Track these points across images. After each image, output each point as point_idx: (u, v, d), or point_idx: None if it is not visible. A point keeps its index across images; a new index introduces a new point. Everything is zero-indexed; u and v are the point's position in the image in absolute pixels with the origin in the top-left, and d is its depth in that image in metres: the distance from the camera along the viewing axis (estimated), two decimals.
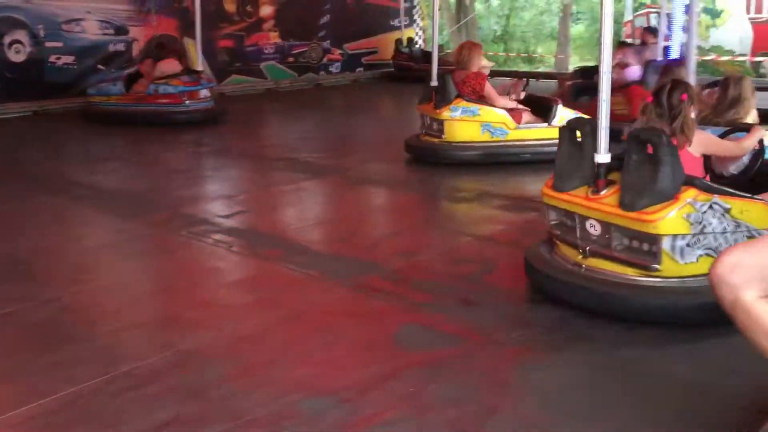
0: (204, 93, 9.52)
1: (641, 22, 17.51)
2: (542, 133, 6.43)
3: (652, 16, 17.24)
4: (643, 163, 3.16)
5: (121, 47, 11.83)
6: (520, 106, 6.68)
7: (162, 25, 12.32)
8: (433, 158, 6.64)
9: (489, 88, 6.58)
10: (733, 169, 3.88)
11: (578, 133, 3.50)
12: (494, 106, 6.54)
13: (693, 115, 3.46)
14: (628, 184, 3.19)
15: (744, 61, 14.25)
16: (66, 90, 11.08)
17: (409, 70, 14.67)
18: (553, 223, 3.61)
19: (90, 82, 10.08)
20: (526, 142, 6.49)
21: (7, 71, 10.58)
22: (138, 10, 11.96)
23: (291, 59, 14.43)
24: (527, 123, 6.57)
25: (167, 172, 7.03)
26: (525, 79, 7.19)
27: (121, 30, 11.77)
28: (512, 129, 6.51)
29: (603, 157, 3.33)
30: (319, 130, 9.79)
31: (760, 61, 14.11)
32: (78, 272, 4.24)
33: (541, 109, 6.63)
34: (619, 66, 8.09)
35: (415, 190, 6.11)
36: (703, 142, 3.53)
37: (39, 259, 4.43)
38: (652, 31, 11.19)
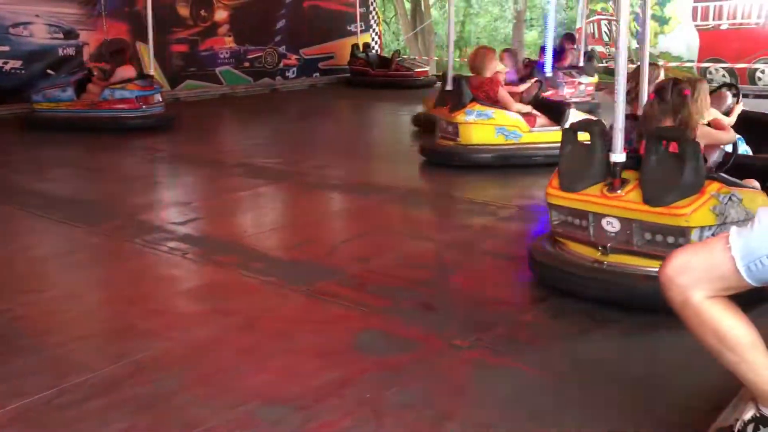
0: (157, 98, 9.39)
1: (591, 29, 17.88)
2: (555, 136, 6.37)
3: (603, 23, 17.64)
4: (665, 160, 3.33)
5: (71, 51, 11.60)
6: (534, 111, 6.84)
7: (113, 29, 12.11)
8: (449, 161, 6.72)
9: (503, 93, 6.72)
10: (717, 157, 4.06)
11: (587, 134, 3.64)
12: (508, 110, 6.65)
13: (695, 109, 3.65)
14: (650, 180, 3.35)
15: (691, 68, 14.63)
16: (14, 95, 10.79)
17: (366, 75, 14.72)
18: (557, 222, 3.73)
19: (36, 88, 9.82)
20: (539, 145, 6.60)
21: None
22: (88, 13, 11.74)
23: (247, 64, 14.33)
24: (541, 126, 6.70)
25: (120, 179, 6.90)
26: (539, 83, 7.37)
27: (70, 34, 11.55)
28: (526, 132, 6.64)
29: (618, 156, 3.47)
30: (275, 136, 9.74)
31: (706, 67, 14.50)
32: (27, 283, 4.13)
33: (555, 113, 6.79)
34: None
35: (365, 193, 6.10)
36: (705, 133, 3.71)
37: None
38: (569, 38, 11.44)
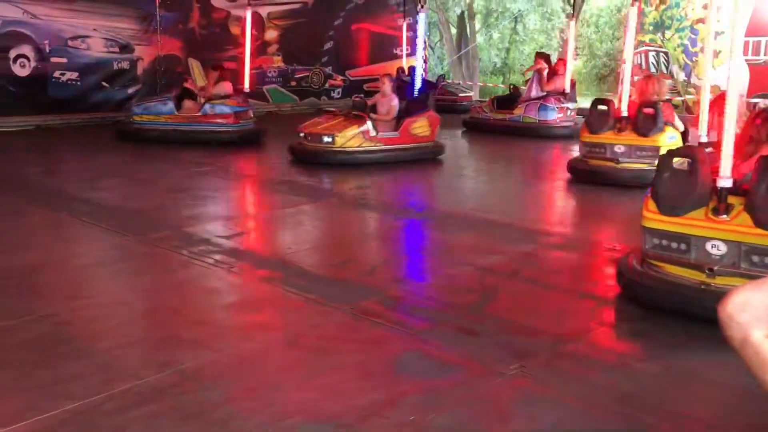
0: (250, 113, 9.92)
1: (639, 60, 17.75)
2: None
3: (650, 54, 17.51)
4: None
5: (125, 65, 11.91)
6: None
7: (167, 44, 12.43)
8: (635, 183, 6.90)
9: (678, 120, 7.35)
10: None
11: (687, 160, 3.77)
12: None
13: None
14: (762, 205, 3.45)
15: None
16: (69, 105, 11.13)
17: None
18: (651, 245, 3.84)
19: (137, 101, 10.13)
20: None
21: (11, 85, 10.64)
22: (144, 29, 12.07)
23: (293, 83, 14.55)
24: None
25: (167, 191, 7.04)
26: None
27: (126, 48, 11.88)
28: None
29: (725, 181, 3.61)
30: None
31: (755, 102, 14.28)
32: (75, 289, 4.24)
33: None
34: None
35: (408, 215, 6.12)
36: None
37: (37, 275, 4.42)
38: (563, 63, 11.81)
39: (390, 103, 8.65)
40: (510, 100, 11.73)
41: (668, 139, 7.07)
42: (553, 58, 14.10)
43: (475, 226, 5.73)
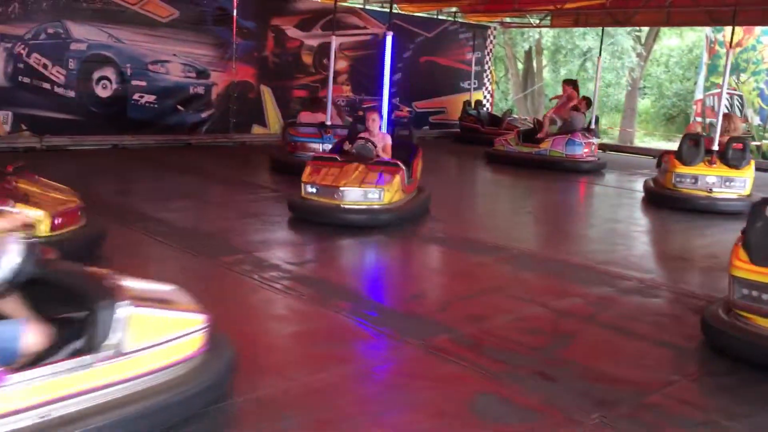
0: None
1: (711, 102, 17.35)
2: None
3: (724, 97, 17.09)
4: None
5: (200, 90, 12.25)
6: None
7: (241, 71, 12.75)
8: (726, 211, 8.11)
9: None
10: None
11: None
12: None
13: None
14: None
15: None
16: (145, 127, 11.49)
17: (476, 132, 14.79)
18: (740, 295, 3.74)
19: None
20: None
21: (93, 106, 11.06)
22: (221, 56, 12.41)
23: (360, 113, 14.69)
24: None
25: (238, 215, 7.15)
26: None
27: (202, 74, 12.22)
28: None
29: None
30: None
31: None
32: None
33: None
34: None
35: (479, 252, 6.05)
36: None
37: None
38: (588, 102, 12.55)
39: (385, 141, 7.25)
40: (535, 133, 11.94)
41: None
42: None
43: (546, 265, 5.63)
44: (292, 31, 13.44)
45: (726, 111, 12.59)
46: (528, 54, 23.69)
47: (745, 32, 16.37)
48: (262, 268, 5.14)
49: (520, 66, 24.35)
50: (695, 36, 25.21)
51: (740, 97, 16.70)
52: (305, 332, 4.05)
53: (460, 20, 16.20)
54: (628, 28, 19.71)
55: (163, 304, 2.84)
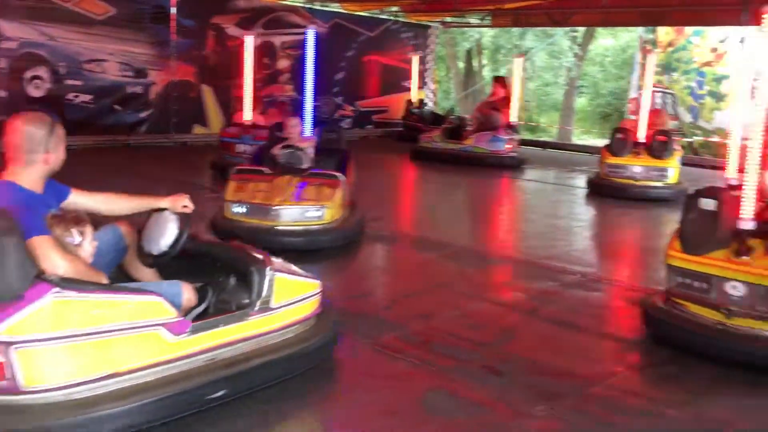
0: None
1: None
2: None
3: (657, 95, 17.64)
4: None
5: (139, 90, 11.97)
6: None
7: (181, 70, 12.51)
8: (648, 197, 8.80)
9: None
10: None
11: (709, 202, 3.85)
12: None
13: None
14: None
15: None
16: (82, 127, 11.15)
17: (419, 131, 14.85)
18: (674, 283, 3.90)
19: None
20: None
21: (26, 106, 10.67)
22: (159, 54, 12.15)
23: (274, 111, 14.61)
24: None
25: None
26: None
27: (140, 73, 11.94)
28: None
29: (748, 223, 3.70)
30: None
31: None
32: None
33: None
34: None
35: (424, 249, 6.08)
36: None
37: None
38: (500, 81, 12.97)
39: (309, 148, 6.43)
40: (459, 129, 12.26)
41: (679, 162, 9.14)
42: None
43: (489, 261, 5.71)
44: (232, 30, 13.25)
45: (656, 107, 13.20)
46: (468, 54, 23.97)
47: (676, 33, 16.93)
48: None
49: (461, 65, 24.61)
50: (629, 36, 25.94)
51: (672, 95, 17.25)
52: None
53: (402, 20, 16.27)
54: (566, 29, 20.15)
55: (292, 272, 3.40)
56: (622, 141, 9.22)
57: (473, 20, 16.71)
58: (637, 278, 5.51)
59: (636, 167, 9.04)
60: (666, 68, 17.28)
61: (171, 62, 12.30)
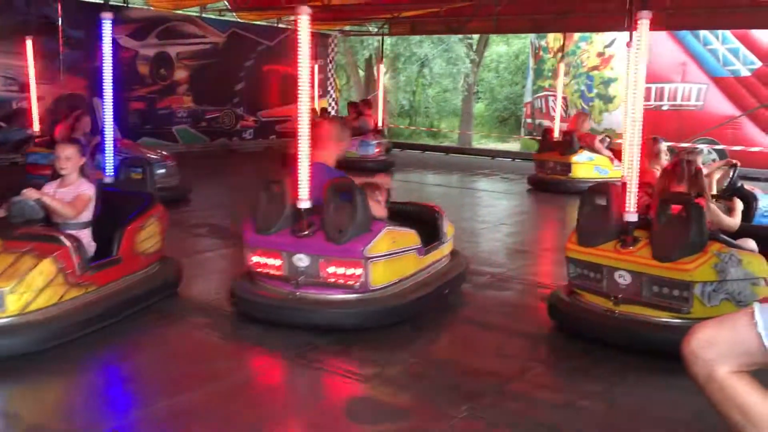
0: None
1: (539, 104, 18.60)
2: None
3: (550, 99, 18.38)
4: (673, 222, 3.74)
5: (25, 104, 11.35)
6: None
7: (70, 83, 11.97)
8: (560, 190, 9.76)
9: (597, 144, 10.15)
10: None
11: (601, 197, 4.06)
12: (601, 154, 10.10)
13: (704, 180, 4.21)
14: (659, 239, 3.75)
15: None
16: None
17: None
18: (573, 274, 4.11)
19: None
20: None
21: None
22: (46, 67, 11.57)
23: (204, 124, 14.31)
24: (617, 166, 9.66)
25: None
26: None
27: (27, 87, 11.33)
28: (611, 169, 9.89)
29: (632, 216, 3.88)
30: (234, 196, 9.69)
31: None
32: None
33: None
34: None
35: None
36: (712, 210, 4.13)
37: None
38: (367, 104, 13.23)
39: (78, 190, 4.30)
40: None
41: (583, 159, 10.03)
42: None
43: None
44: (125, 41, 12.82)
45: (580, 110, 14.27)
46: (368, 62, 24.17)
47: (566, 39, 17.71)
48: None
49: (362, 73, 24.78)
50: (521, 43, 26.89)
51: (564, 99, 18.03)
52: (164, 354, 3.85)
53: None
54: (461, 36, 20.67)
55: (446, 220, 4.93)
56: (544, 140, 10.67)
57: (372, 28, 16.87)
58: (546, 275, 5.69)
59: (550, 162, 10.24)
60: (557, 73, 18.05)
61: (60, 75, 11.75)
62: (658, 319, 3.77)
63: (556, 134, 10.90)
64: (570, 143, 10.00)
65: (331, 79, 17.43)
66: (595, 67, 17.19)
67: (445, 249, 4.84)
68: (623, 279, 3.86)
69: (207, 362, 3.65)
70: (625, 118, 5.84)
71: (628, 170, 3.99)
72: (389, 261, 4.12)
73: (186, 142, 13.90)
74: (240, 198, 9.51)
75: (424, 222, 4.73)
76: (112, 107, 4.97)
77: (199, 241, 6.62)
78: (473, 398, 3.26)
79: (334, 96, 17.55)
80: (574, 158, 9.99)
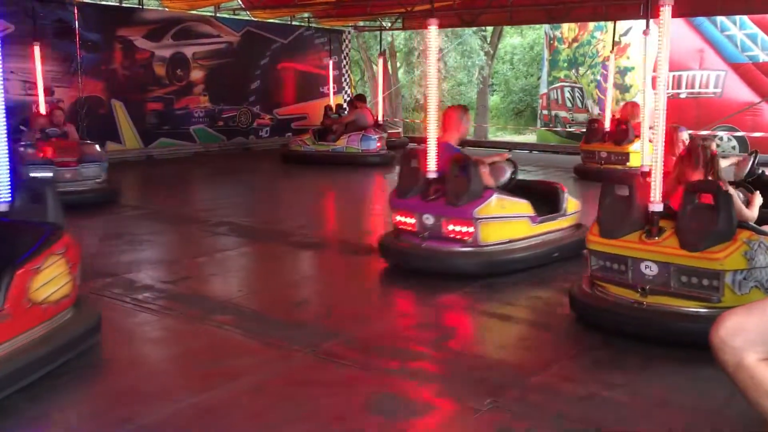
0: None
1: (555, 95, 18.47)
2: None
3: (566, 90, 18.26)
4: (701, 210, 3.70)
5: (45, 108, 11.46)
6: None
7: (88, 86, 12.07)
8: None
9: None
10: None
11: (623, 188, 4.05)
12: None
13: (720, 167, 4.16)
14: (687, 228, 3.70)
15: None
16: None
17: None
18: (595, 266, 4.07)
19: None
20: None
21: None
22: (64, 71, 11.69)
23: (220, 123, 14.38)
24: None
25: (102, 237, 6.77)
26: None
27: (46, 91, 11.43)
28: None
29: (657, 206, 3.85)
30: (254, 194, 9.73)
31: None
32: None
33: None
34: None
35: (355, 253, 6.08)
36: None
37: None
38: (360, 98, 13.13)
39: None
40: (327, 132, 12.47)
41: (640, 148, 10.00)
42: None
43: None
44: (141, 42, 12.90)
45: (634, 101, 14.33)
46: (383, 57, 24.12)
47: (579, 28, 17.57)
48: (134, 289, 4.89)
49: (376, 69, 24.75)
50: (535, 34, 26.73)
51: (580, 89, 17.89)
52: (188, 352, 3.88)
53: (314, 25, 16.23)
54: (475, 28, 20.57)
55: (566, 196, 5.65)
56: (592, 129, 10.77)
57: (385, 23, 16.84)
58: (567, 267, 5.66)
59: (602, 152, 10.42)
60: (572, 63, 17.92)
61: (77, 78, 11.85)
62: (688, 309, 3.73)
63: (607, 125, 10.88)
64: (626, 132, 10.02)
65: (346, 75, 17.42)
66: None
67: (565, 222, 5.59)
68: (650, 270, 3.82)
69: (231, 360, 3.68)
70: (643, 107, 5.87)
71: (651, 159, 3.95)
72: (499, 223, 5.08)
73: (203, 142, 13.98)
74: (259, 197, 9.57)
75: (546, 196, 5.56)
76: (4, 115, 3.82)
77: (219, 240, 6.66)
78: (497, 391, 3.26)
79: (348, 92, 17.55)
80: (631, 147, 9.98)
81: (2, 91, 3.78)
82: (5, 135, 3.85)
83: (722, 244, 3.62)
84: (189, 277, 5.33)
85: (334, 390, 3.30)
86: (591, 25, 16.97)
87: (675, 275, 3.75)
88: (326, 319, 4.34)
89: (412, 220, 5.25)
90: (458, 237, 5.03)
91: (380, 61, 15.01)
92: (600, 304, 4.01)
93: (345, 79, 17.38)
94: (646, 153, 5.27)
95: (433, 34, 5.41)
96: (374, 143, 12.02)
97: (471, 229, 4.97)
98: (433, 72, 5.43)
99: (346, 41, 17.55)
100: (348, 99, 14.05)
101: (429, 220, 5.13)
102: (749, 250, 3.61)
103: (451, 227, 5.06)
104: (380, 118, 12.95)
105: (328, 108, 15.41)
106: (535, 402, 3.18)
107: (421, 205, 5.20)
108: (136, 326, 4.27)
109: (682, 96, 15.02)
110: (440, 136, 5.35)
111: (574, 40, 17.85)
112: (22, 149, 8.02)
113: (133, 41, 12.81)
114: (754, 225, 3.81)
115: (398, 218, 5.38)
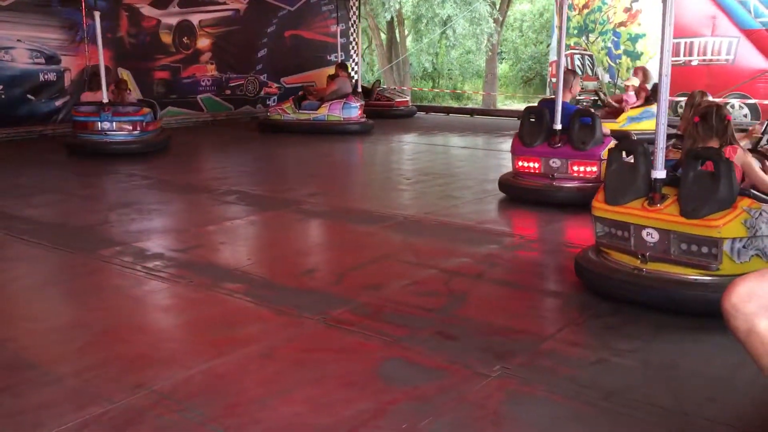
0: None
1: (565, 63, 18.27)
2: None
3: (576, 57, 18.05)
4: (702, 177, 3.68)
5: (52, 77, 11.45)
6: None
7: (95, 54, 11.99)
8: None
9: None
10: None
11: (631, 153, 4.03)
12: None
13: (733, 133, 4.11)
14: (688, 195, 3.68)
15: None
16: None
17: None
18: (600, 233, 4.08)
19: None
20: None
21: None
22: (70, 39, 11.63)
23: (228, 92, 14.32)
24: None
25: (112, 206, 6.79)
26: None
27: (52, 59, 11.41)
28: None
29: (660, 173, 3.84)
30: (262, 163, 9.71)
31: (677, 102, 14.90)
32: (28, 311, 4.03)
33: None
34: None
35: (365, 222, 6.08)
36: (747, 163, 4.04)
37: None
38: (342, 66, 13.03)
39: None
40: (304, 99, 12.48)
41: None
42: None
43: (430, 229, 5.75)
44: (147, 10, 12.81)
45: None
46: (390, 24, 23.89)
47: None
48: (144, 258, 4.92)
49: (384, 36, 24.52)
50: (545, 0, 26.38)
51: (591, 56, 17.68)
52: (199, 319, 3.91)
53: None
54: None
55: None
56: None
57: None
58: (574, 236, 5.66)
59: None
60: (582, 30, 17.68)
61: (84, 46, 11.80)
62: (687, 276, 3.73)
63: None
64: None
65: (354, 43, 17.27)
66: (622, 24, 16.81)
67: None
68: (651, 237, 3.82)
69: (241, 327, 3.71)
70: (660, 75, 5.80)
71: (656, 126, 3.91)
72: None
73: (211, 111, 13.94)
74: (267, 166, 9.56)
75: None
76: None
77: (228, 209, 6.67)
78: (506, 357, 3.27)
79: (356, 60, 17.40)
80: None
81: None
82: None
83: (721, 211, 3.59)
84: (199, 246, 5.35)
85: (343, 356, 3.33)
86: None
87: (675, 242, 3.74)
88: (336, 287, 4.35)
89: (536, 164, 6.47)
90: (583, 175, 6.23)
91: (359, 28, 15.35)
92: (601, 270, 4.02)
93: (353, 47, 17.23)
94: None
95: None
96: (356, 111, 12.08)
97: (595, 168, 6.11)
98: (563, 41, 7.35)
99: (354, 8, 17.37)
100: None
101: (556, 163, 6.31)
102: (749, 218, 3.58)
103: (576, 168, 6.26)
104: (359, 87, 13.16)
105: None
106: (544, 367, 3.19)
107: (548, 152, 6.33)
108: (146, 294, 4.30)
109: (694, 63, 14.82)
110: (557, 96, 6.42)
111: (585, 6, 17.59)
112: None
113: (139, 9, 12.72)
114: (756, 193, 3.78)
115: (521, 163, 6.55)
